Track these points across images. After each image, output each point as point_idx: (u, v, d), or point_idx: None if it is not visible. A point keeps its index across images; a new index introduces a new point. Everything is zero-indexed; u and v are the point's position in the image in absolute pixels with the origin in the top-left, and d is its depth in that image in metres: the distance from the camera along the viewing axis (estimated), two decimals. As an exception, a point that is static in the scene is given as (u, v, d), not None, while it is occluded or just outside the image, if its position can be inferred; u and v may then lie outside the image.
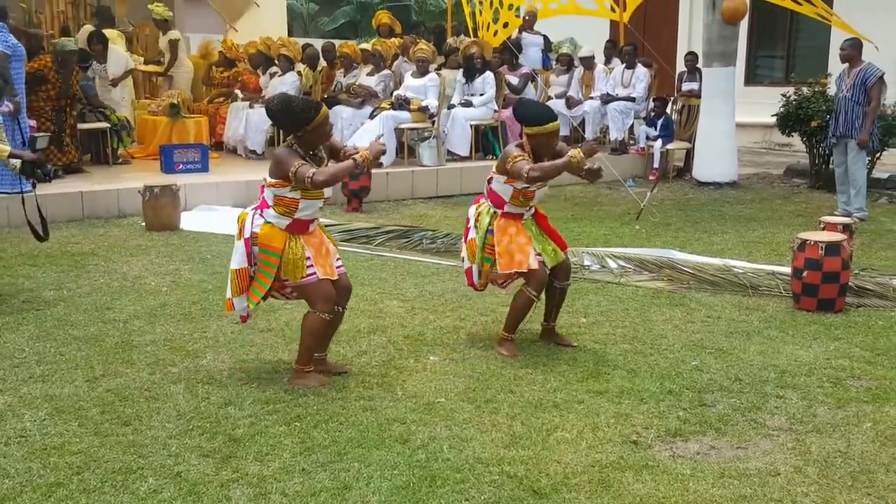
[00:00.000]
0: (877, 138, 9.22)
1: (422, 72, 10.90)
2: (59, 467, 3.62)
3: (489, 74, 11.26)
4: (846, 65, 9.02)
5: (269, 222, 4.46)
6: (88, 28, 11.97)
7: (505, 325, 5.12)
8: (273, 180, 4.41)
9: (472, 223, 5.12)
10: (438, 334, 5.37)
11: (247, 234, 4.47)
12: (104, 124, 10.44)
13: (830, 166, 10.93)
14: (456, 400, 4.33)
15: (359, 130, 10.62)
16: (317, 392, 4.41)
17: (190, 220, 8.58)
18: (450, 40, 12.66)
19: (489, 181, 5.09)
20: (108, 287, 6.35)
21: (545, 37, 13.54)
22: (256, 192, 8.75)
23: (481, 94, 11.22)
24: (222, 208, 9.12)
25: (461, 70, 11.62)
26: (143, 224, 8.36)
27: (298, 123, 4.37)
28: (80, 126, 10.16)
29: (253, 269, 4.52)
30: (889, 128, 9.92)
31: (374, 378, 4.62)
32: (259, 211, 4.51)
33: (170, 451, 3.78)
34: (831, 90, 10.90)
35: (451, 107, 11.17)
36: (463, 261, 5.27)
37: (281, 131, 10.58)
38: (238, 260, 4.53)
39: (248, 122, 11.31)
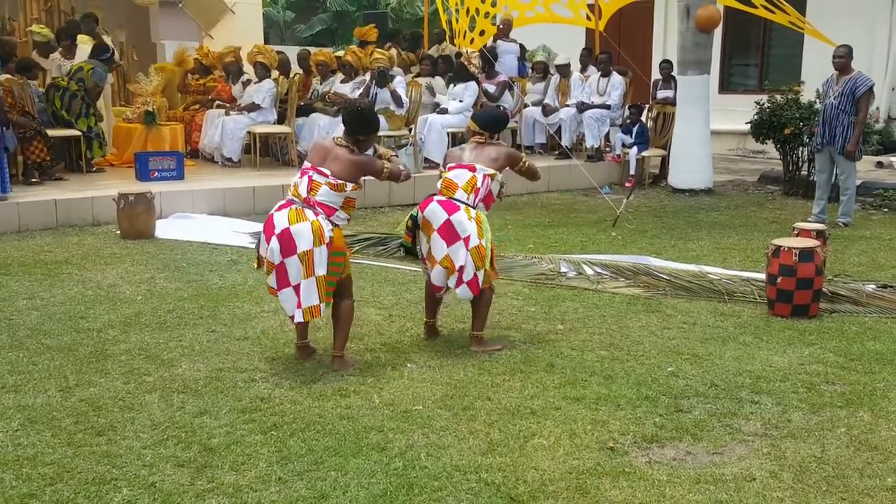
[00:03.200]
0: (861, 152, 9.28)
1: (381, 81, 10.86)
2: (32, 478, 3.58)
3: (472, 84, 11.30)
4: (835, 72, 9.03)
5: (337, 225, 4.77)
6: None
7: (480, 326, 5.23)
8: (350, 184, 4.75)
9: (471, 229, 4.99)
10: (416, 342, 5.37)
11: (326, 241, 4.66)
12: (76, 131, 10.34)
13: (803, 173, 11.06)
14: (433, 407, 4.33)
15: (335, 133, 10.58)
16: (293, 400, 4.39)
17: (165, 228, 8.53)
18: (432, 49, 12.68)
19: (483, 182, 5.16)
20: (83, 296, 6.29)
21: (521, 45, 13.59)
22: (233, 200, 8.74)
23: (460, 101, 11.25)
24: (198, 216, 9.08)
25: (436, 77, 11.67)
26: (118, 232, 8.30)
27: (373, 129, 4.89)
28: (52, 133, 10.07)
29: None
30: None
31: (352, 386, 4.61)
32: (326, 216, 4.72)
33: (144, 461, 3.75)
34: (804, 98, 11.03)
35: (442, 111, 11.21)
36: (430, 270, 5.18)
37: (252, 147, 10.59)
38: (323, 266, 4.68)
39: (223, 130, 11.25)
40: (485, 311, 5.25)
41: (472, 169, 5.19)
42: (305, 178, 4.78)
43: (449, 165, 5.30)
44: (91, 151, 10.48)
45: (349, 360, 4.93)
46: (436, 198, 5.14)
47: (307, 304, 4.67)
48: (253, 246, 7.08)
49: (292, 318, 4.78)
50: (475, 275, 5.02)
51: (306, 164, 4.84)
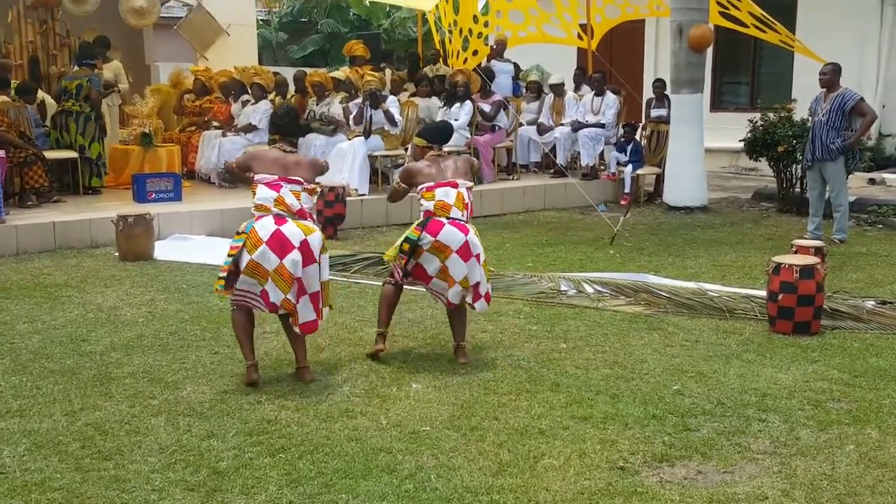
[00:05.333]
0: (857, 160, 9.33)
1: (373, 102, 10.90)
2: (41, 504, 3.56)
3: (468, 104, 11.36)
4: (823, 90, 9.11)
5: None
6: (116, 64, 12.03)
7: (463, 336, 5.40)
8: (316, 186, 5.03)
9: (480, 247, 5.25)
10: (420, 362, 5.36)
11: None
12: (73, 154, 10.35)
13: (797, 190, 11.13)
14: (441, 428, 4.32)
15: (331, 153, 10.63)
16: (300, 422, 4.38)
17: (164, 250, 8.51)
18: (426, 69, 12.74)
19: (469, 196, 5.32)
20: (84, 319, 6.27)
21: (515, 64, 13.67)
22: (230, 220, 8.71)
23: (456, 120, 11.29)
24: (196, 237, 9.07)
25: (433, 96, 11.73)
26: (117, 254, 8.28)
27: (304, 128, 4.96)
28: (49, 155, 10.07)
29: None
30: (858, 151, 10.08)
31: (358, 407, 4.60)
32: (313, 223, 4.92)
33: (153, 485, 3.73)
34: (797, 115, 11.11)
35: None
36: (467, 288, 5.26)
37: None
38: (327, 271, 4.95)
39: (220, 151, 11.26)
40: (465, 323, 5.45)
41: (455, 185, 5.28)
42: (287, 191, 4.83)
43: (427, 185, 5.29)
44: (90, 180, 10.49)
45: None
46: (444, 220, 5.17)
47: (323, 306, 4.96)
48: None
49: (306, 325, 4.86)
50: (487, 290, 5.33)
51: (268, 177, 4.85)
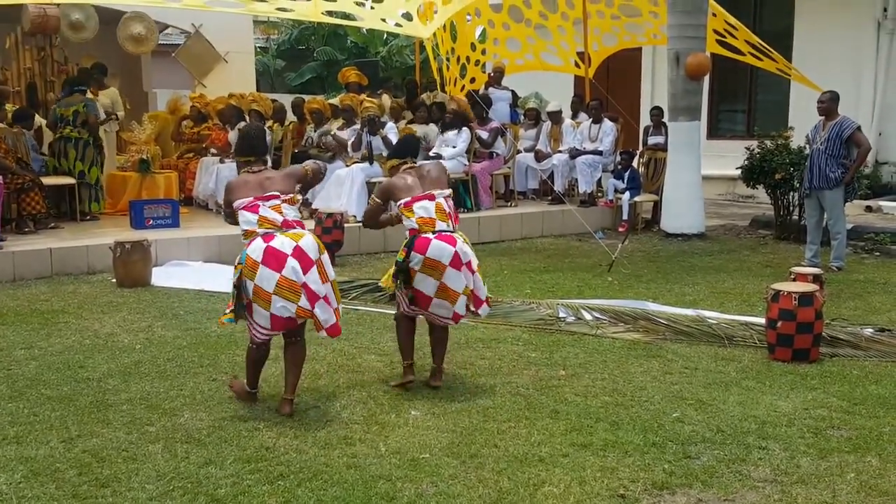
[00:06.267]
0: (854, 189, 9.39)
1: (372, 129, 10.96)
2: (38, 532, 3.53)
3: (466, 131, 11.40)
4: (822, 118, 9.15)
5: None
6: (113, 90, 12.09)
7: (443, 359, 5.46)
8: (296, 195, 5.04)
9: (472, 253, 5.27)
10: (419, 388, 5.34)
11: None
12: (70, 180, 10.39)
13: (794, 217, 11.16)
14: (440, 455, 4.30)
15: (330, 180, 10.67)
16: (298, 449, 4.35)
17: (161, 276, 8.51)
18: (423, 96, 12.81)
19: (448, 204, 5.34)
20: (80, 345, 6.25)
21: (513, 91, 13.74)
22: (228, 247, 8.72)
23: (453, 147, 11.34)
24: (193, 263, 9.06)
25: (431, 123, 11.79)
26: (114, 280, 8.27)
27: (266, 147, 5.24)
28: (47, 181, 10.08)
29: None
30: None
31: (357, 434, 4.57)
32: (303, 229, 4.92)
33: (151, 513, 3.71)
34: (794, 143, 11.17)
35: (436, 157, 11.28)
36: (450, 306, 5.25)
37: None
38: (332, 269, 4.97)
39: (218, 177, 11.28)
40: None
41: (432, 197, 5.26)
42: (266, 209, 4.85)
43: (405, 201, 5.26)
44: (90, 205, 10.52)
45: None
46: (429, 236, 5.14)
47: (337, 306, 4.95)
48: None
49: (331, 328, 4.85)
50: (486, 294, 5.39)
51: (244, 201, 4.86)
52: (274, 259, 4.70)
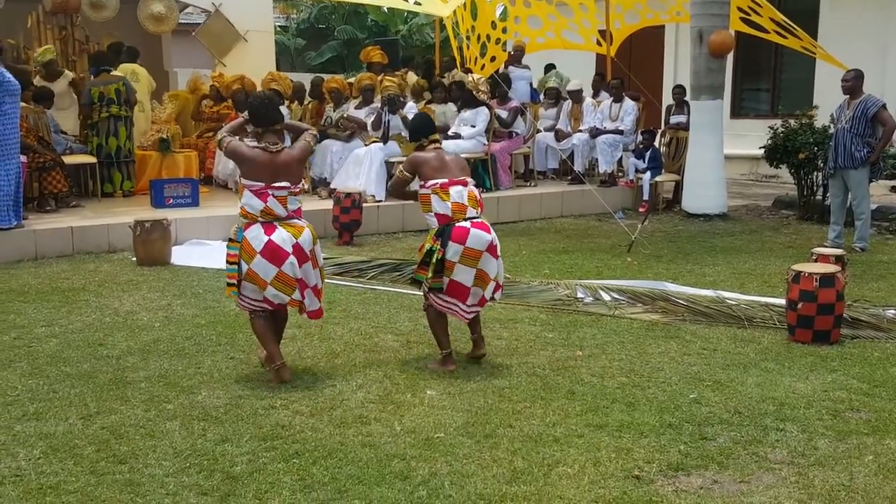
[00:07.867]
0: (880, 169, 9.28)
1: (392, 108, 10.93)
2: (55, 507, 3.57)
3: (484, 110, 11.34)
4: (847, 97, 9.03)
5: None
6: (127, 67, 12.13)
7: (481, 329, 5.54)
8: (303, 187, 5.27)
9: (497, 240, 5.31)
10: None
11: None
12: (91, 158, 10.46)
13: (818, 197, 11.04)
14: (455, 435, 4.30)
15: (348, 159, 10.66)
16: (314, 428, 4.37)
17: (181, 255, 8.55)
18: (446, 75, 12.74)
19: (479, 193, 5.43)
20: (100, 323, 6.30)
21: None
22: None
23: (472, 126, 11.29)
24: (213, 242, 9.09)
25: (448, 104, 11.74)
26: (134, 259, 8.32)
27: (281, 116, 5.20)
28: (67, 160, 10.14)
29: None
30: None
31: (372, 413, 4.59)
32: (301, 220, 5.05)
33: (167, 489, 3.73)
34: (818, 122, 11.03)
35: (454, 136, 11.24)
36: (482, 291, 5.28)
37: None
38: (321, 256, 5.15)
39: (237, 156, 11.27)
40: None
41: (465, 184, 5.29)
42: (273, 200, 4.89)
43: (439, 182, 5.20)
44: (123, 183, 10.80)
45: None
46: (465, 225, 5.15)
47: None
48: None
49: (313, 312, 5.09)
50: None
51: (255, 184, 4.87)
52: (274, 255, 4.85)
